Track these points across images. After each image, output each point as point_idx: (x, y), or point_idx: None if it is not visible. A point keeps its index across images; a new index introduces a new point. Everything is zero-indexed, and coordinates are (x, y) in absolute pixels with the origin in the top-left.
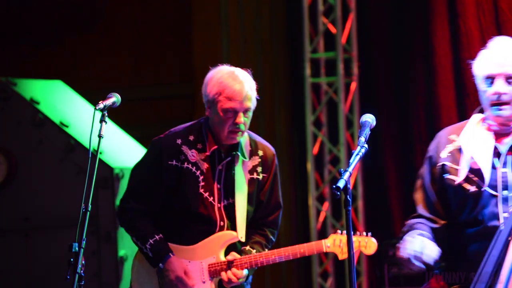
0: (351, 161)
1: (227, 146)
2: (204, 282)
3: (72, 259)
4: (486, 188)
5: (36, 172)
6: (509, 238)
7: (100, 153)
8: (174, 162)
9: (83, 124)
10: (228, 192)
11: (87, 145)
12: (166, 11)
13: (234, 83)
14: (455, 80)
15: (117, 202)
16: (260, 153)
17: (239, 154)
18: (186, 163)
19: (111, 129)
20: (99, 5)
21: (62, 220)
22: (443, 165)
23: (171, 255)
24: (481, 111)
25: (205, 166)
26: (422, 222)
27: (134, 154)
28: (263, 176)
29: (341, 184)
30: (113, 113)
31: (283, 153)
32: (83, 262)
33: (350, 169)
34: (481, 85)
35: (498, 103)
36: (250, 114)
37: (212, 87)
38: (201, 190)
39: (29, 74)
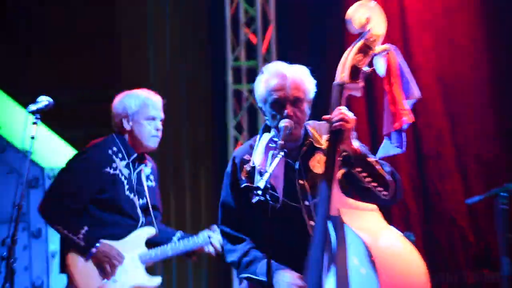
0: (270, 162)
1: (139, 155)
2: (137, 268)
3: (4, 254)
4: (284, 200)
5: None
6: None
7: (32, 153)
8: (108, 169)
9: (15, 126)
10: (142, 194)
11: (18, 146)
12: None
13: (155, 96)
14: (367, 97)
15: None
16: (150, 164)
17: (146, 162)
18: (116, 170)
19: (42, 131)
20: (35, 22)
21: None
22: (245, 186)
23: (101, 241)
24: (268, 130)
25: (127, 172)
26: (247, 249)
27: (63, 154)
28: (155, 184)
29: (261, 184)
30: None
31: (205, 156)
32: (15, 256)
33: (270, 170)
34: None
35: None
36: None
37: (135, 101)
38: (127, 192)
39: None
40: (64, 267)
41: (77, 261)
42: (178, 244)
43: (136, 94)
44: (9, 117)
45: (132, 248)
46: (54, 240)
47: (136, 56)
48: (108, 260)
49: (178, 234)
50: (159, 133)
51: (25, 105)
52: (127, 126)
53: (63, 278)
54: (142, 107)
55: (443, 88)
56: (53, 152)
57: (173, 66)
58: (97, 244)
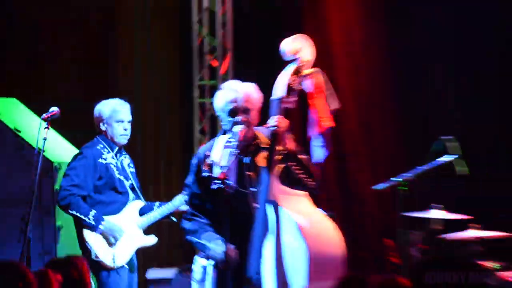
0: (227, 158)
1: (119, 147)
2: (137, 233)
3: (22, 227)
4: (236, 187)
5: None
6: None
7: (44, 151)
8: (101, 161)
9: (31, 130)
10: (128, 177)
11: (34, 145)
12: (93, 48)
13: (123, 103)
14: (302, 109)
15: (57, 186)
16: (128, 154)
17: (124, 153)
18: (106, 159)
19: (52, 133)
20: (43, 44)
21: (16, 199)
22: (208, 176)
23: (106, 219)
24: (225, 133)
25: (114, 161)
26: (203, 222)
27: (68, 151)
28: (135, 170)
29: (220, 175)
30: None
31: (176, 153)
32: (31, 229)
33: (226, 164)
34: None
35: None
36: (130, 124)
37: (107, 108)
38: (117, 176)
39: None
40: (81, 243)
41: (92, 236)
42: (162, 209)
43: (109, 102)
44: (27, 123)
45: (130, 218)
46: (60, 217)
47: (127, 76)
48: (112, 234)
49: (157, 203)
50: (127, 132)
51: (39, 113)
52: (103, 127)
53: (67, 246)
54: (113, 112)
55: (359, 102)
56: (59, 150)
57: (155, 84)
58: (103, 222)
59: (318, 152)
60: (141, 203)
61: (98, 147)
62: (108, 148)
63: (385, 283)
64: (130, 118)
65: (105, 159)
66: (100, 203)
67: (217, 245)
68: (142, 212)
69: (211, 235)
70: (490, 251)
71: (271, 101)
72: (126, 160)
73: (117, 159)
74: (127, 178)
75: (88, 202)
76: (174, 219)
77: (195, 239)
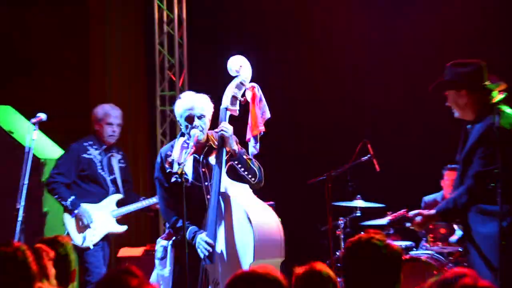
0: (184, 156)
1: (108, 145)
2: (110, 220)
3: (15, 213)
4: (192, 181)
5: None
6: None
7: (32, 149)
8: (84, 155)
9: (23, 132)
10: (112, 172)
11: (25, 144)
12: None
13: (113, 109)
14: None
15: (43, 178)
16: (120, 153)
17: (114, 151)
18: (91, 155)
19: (39, 135)
20: (28, 60)
21: (9, 189)
22: (169, 172)
23: (81, 205)
24: (183, 135)
25: (99, 157)
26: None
27: (52, 149)
28: (125, 165)
29: (178, 171)
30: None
31: (142, 154)
32: (23, 214)
33: (183, 161)
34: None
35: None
36: (120, 126)
37: (101, 111)
38: (99, 170)
39: None
40: (64, 225)
41: (68, 218)
42: (138, 203)
43: (104, 106)
44: (19, 126)
45: (106, 207)
46: (47, 204)
47: (99, 86)
48: (84, 216)
49: (142, 198)
50: (115, 133)
51: (29, 118)
52: (96, 127)
53: (53, 228)
54: (104, 116)
55: (291, 112)
56: (45, 148)
57: (123, 94)
58: (78, 207)
59: (251, 151)
60: (119, 196)
61: (85, 144)
62: (97, 145)
63: (307, 274)
64: (119, 121)
65: (89, 155)
66: (83, 192)
67: (201, 241)
68: (124, 203)
69: (198, 233)
70: (400, 233)
71: (219, 110)
72: (117, 156)
73: (104, 156)
74: (111, 173)
75: (75, 189)
76: (150, 214)
77: (189, 240)
